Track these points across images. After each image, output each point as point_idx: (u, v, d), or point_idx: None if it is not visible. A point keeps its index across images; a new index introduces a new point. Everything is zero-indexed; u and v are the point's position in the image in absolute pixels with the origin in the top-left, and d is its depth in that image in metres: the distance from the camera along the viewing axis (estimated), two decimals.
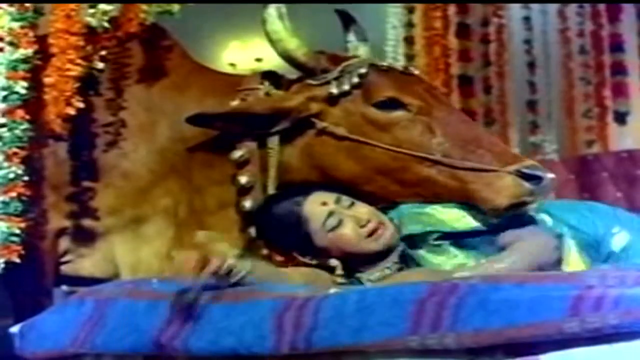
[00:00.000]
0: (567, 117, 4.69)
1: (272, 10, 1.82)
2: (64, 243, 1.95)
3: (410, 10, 4.01)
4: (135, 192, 1.95)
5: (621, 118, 4.53)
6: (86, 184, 1.93)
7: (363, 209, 1.79)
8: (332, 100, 1.84)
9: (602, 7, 4.62)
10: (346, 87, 1.83)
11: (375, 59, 1.94)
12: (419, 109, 1.81)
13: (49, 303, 1.92)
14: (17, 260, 1.64)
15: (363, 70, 1.83)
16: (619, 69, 4.57)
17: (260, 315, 1.46)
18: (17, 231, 1.64)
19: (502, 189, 1.72)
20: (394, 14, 4.04)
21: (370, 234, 1.76)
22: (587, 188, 3.60)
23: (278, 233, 1.85)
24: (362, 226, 1.76)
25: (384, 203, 1.83)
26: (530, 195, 1.72)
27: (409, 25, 4.05)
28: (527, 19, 4.72)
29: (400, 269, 1.80)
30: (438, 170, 1.77)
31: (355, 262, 1.81)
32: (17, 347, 1.67)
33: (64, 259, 1.97)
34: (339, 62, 1.87)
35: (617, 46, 4.57)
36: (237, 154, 1.87)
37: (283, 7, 1.83)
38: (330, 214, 1.77)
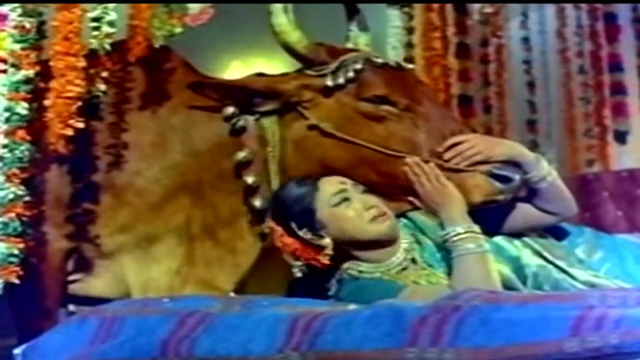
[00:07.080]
0: (567, 136, 4.69)
1: (277, 4, 1.90)
2: (74, 263, 1.95)
3: (410, 31, 4.02)
4: (149, 209, 1.97)
5: (621, 137, 4.54)
6: (98, 203, 1.94)
7: (373, 199, 1.86)
8: (326, 91, 1.94)
9: (600, 27, 4.65)
10: (341, 80, 1.92)
11: (372, 54, 2.01)
12: (405, 106, 1.91)
13: (54, 323, 1.90)
14: (16, 281, 1.63)
15: (359, 66, 1.93)
16: (619, 89, 4.59)
17: (275, 321, 1.47)
18: (16, 252, 1.64)
19: (474, 187, 1.84)
20: (394, 34, 4.05)
21: (373, 219, 1.82)
22: (588, 207, 3.60)
23: (287, 208, 1.87)
24: (367, 210, 1.82)
25: None
26: (500, 194, 1.84)
27: (409, 45, 4.06)
28: (526, 40, 4.74)
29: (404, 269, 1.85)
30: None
31: (350, 247, 1.84)
32: None
33: (73, 278, 1.98)
34: (337, 56, 1.96)
35: (616, 66, 4.59)
36: (240, 154, 1.96)
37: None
38: (342, 190, 1.85)
